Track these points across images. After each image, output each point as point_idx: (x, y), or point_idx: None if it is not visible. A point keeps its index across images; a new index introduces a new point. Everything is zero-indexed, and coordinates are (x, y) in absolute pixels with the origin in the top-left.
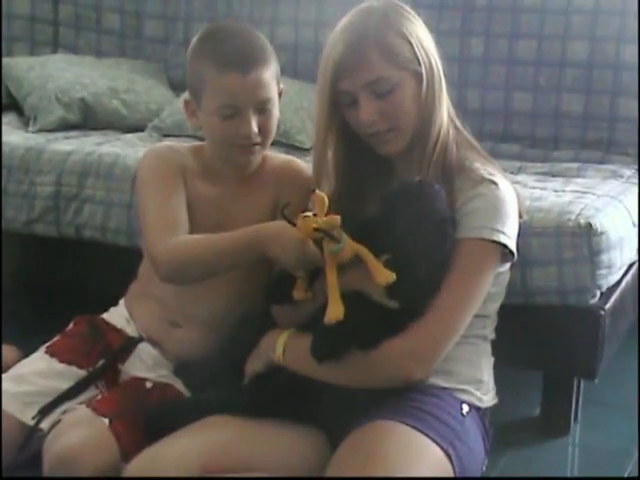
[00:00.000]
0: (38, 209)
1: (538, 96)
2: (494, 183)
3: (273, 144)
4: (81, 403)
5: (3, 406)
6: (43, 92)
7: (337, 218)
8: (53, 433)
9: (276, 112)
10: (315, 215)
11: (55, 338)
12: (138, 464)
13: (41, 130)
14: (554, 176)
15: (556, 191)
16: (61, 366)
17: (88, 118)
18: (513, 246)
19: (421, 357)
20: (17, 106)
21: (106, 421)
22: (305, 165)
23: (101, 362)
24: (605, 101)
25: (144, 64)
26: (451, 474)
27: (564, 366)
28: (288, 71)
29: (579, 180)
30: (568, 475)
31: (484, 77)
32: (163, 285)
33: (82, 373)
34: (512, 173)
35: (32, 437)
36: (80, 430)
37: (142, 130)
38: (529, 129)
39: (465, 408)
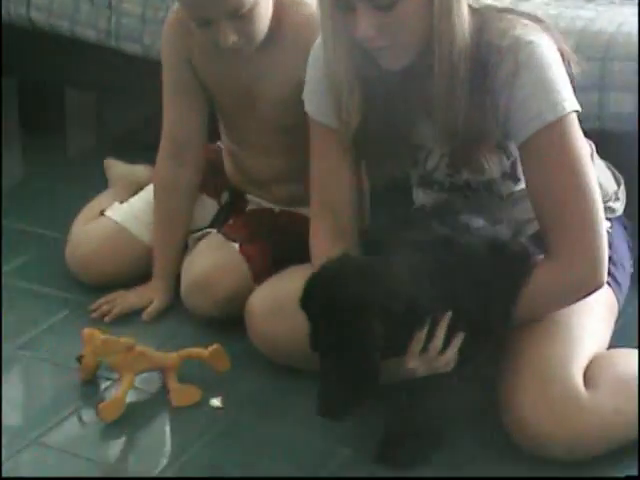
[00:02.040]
0: None
1: None
2: (529, 43)
3: None
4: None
5: (128, 226)
6: None
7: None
8: (187, 260)
9: (259, 11)
10: None
11: None
12: (263, 292)
13: None
14: None
15: None
16: None
17: None
18: (576, 104)
19: (594, 271)
20: None
21: (236, 245)
22: None
23: (226, 194)
24: None
25: None
26: (615, 300)
27: None
28: None
29: None
30: None
31: None
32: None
33: (211, 201)
34: None
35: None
36: (212, 255)
37: None
38: None
39: (607, 225)
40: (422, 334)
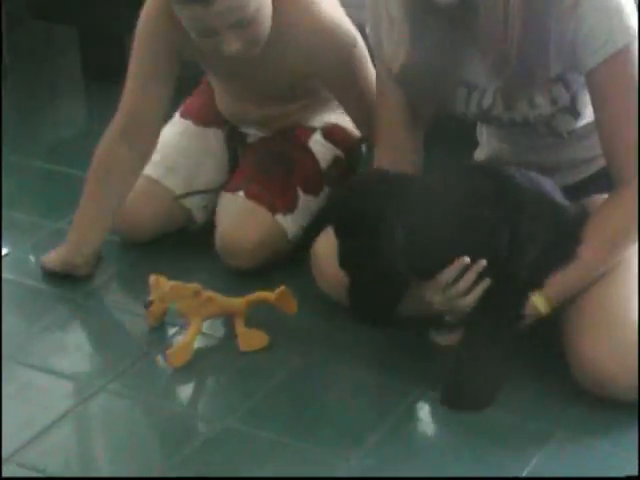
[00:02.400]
0: None
1: None
2: None
3: None
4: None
5: (155, 177)
6: None
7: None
8: (217, 229)
9: (263, 14)
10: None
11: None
12: (329, 233)
13: None
14: None
15: None
16: (198, 129)
17: None
18: None
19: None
20: None
21: (241, 193)
22: (340, 32)
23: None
24: None
25: None
26: None
27: None
28: None
29: None
30: None
31: None
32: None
33: (216, 132)
34: None
35: (175, 208)
36: (227, 214)
37: None
38: None
39: None
40: (451, 272)
